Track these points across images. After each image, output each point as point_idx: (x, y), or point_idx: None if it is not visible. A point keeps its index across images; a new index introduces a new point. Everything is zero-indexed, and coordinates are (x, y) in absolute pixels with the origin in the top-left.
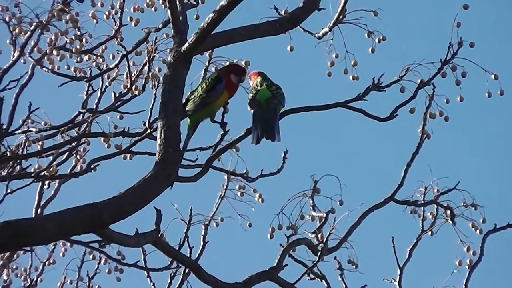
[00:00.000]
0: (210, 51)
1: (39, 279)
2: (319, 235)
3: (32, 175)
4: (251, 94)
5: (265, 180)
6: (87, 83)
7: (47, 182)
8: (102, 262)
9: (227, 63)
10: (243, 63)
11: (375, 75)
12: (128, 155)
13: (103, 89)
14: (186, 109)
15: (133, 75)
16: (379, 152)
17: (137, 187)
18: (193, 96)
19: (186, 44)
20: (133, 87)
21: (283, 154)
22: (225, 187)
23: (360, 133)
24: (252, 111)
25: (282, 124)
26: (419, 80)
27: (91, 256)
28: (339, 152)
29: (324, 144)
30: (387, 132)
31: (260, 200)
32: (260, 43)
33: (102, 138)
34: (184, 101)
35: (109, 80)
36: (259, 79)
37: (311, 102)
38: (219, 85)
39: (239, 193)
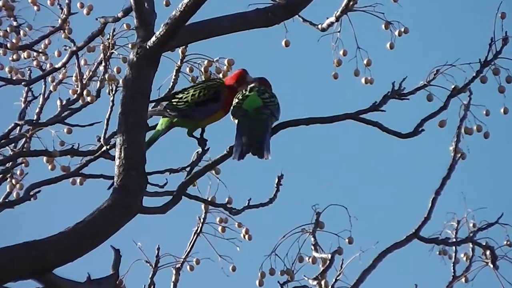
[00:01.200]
0: (184, 47)
1: None
2: (323, 282)
3: None
4: (236, 100)
5: (254, 212)
6: (26, 88)
7: None
8: None
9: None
10: (225, 62)
11: (394, 79)
12: (78, 179)
13: (46, 95)
14: (165, 106)
15: (84, 77)
16: (399, 176)
17: (89, 220)
18: (180, 96)
19: (153, 38)
20: (85, 93)
21: (276, 180)
22: (202, 220)
23: (375, 152)
24: (237, 121)
25: (276, 141)
26: (451, 86)
27: None
28: (348, 176)
29: (329, 166)
30: (410, 151)
31: (246, 237)
32: (248, 37)
33: (44, 158)
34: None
35: (54, 83)
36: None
37: (312, 112)
38: (214, 103)
39: (220, 228)
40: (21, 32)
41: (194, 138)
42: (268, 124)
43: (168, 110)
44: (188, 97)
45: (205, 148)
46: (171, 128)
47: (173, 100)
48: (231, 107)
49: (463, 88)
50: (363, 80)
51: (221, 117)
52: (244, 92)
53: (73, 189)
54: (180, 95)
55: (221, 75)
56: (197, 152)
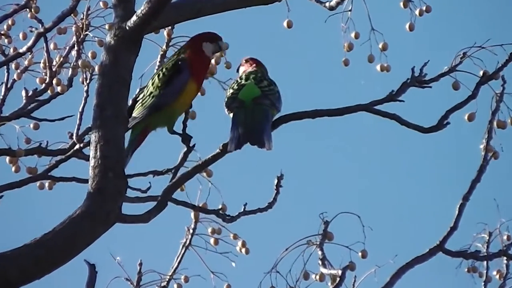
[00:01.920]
0: (170, 28)
1: None
2: None
3: None
4: (231, 91)
5: (251, 220)
6: None
7: None
8: None
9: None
10: None
11: (414, 64)
12: (46, 183)
13: (9, 85)
14: (133, 115)
15: (54, 63)
16: (420, 179)
17: (59, 230)
18: (142, 96)
19: (134, 18)
20: (54, 82)
21: (276, 181)
22: (191, 231)
23: (392, 150)
24: (232, 114)
25: (276, 136)
26: (481, 72)
27: None
28: (360, 179)
29: (338, 166)
30: (433, 149)
31: (243, 250)
32: (244, 16)
33: (7, 157)
34: (130, 102)
35: (18, 71)
36: (251, 69)
37: (319, 104)
38: (179, 75)
39: (212, 240)
40: None
41: (177, 134)
42: (268, 114)
43: (138, 118)
44: (150, 88)
45: (191, 146)
46: (146, 133)
47: (136, 106)
48: (225, 99)
49: (494, 74)
50: (378, 67)
51: (197, 91)
52: (238, 80)
53: (40, 194)
54: (141, 96)
55: (213, 61)
56: (183, 151)
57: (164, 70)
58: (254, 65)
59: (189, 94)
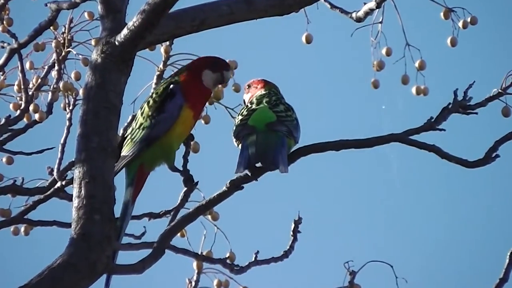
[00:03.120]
0: (168, 43)
1: None
2: None
3: None
4: (240, 117)
5: (264, 271)
6: None
7: None
8: None
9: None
10: None
11: (457, 86)
12: (22, 227)
13: None
14: (122, 153)
15: (30, 86)
16: (464, 219)
17: (37, 283)
18: (131, 130)
19: (125, 31)
20: (31, 108)
21: (293, 225)
22: (193, 283)
23: (431, 187)
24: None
25: (293, 171)
26: None
27: None
28: (393, 222)
29: (367, 207)
30: (479, 185)
31: None
32: (255, 30)
33: None
34: (121, 132)
35: None
36: (261, 92)
37: (343, 133)
38: (171, 100)
39: None
40: None
41: (177, 171)
42: (284, 141)
43: (128, 156)
44: (139, 119)
45: (193, 183)
46: (143, 176)
47: (126, 142)
48: (234, 127)
49: None
50: (414, 90)
51: (194, 120)
52: (249, 105)
53: (15, 240)
54: (129, 130)
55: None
56: (183, 190)
57: (154, 95)
58: (261, 85)
59: (185, 123)
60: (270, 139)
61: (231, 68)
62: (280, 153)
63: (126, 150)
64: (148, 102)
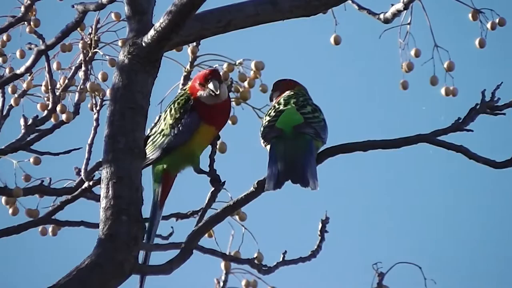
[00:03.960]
0: (194, 44)
1: None
2: None
3: None
4: (268, 118)
5: (291, 271)
6: None
7: None
8: None
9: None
10: (252, 65)
11: (485, 87)
12: (49, 228)
13: (4, 112)
14: (147, 154)
15: (57, 87)
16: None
17: (65, 284)
18: (154, 131)
19: (151, 32)
20: (58, 108)
21: (320, 225)
22: (221, 283)
23: (458, 188)
24: (269, 146)
25: (320, 172)
26: None
27: None
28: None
29: (394, 207)
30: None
31: None
32: (281, 31)
33: (3, 198)
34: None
35: (16, 95)
36: (289, 92)
37: (371, 133)
38: (188, 117)
39: None
40: None
41: (204, 173)
42: (312, 146)
43: (151, 158)
44: (161, 123)
45: (220, 184)
46: (169, 178)
47: (148, 143)
48: (261, 129)
49: None
50: (442, 91)
51: (216, 130)
52: (276, 105)
53: (43, 240)
54: (152, 131)
55: (246, 84)
56: (210, 191)
57: (176, 105)
58: (290, 86)
59: (205, 135)
60: (298, 148)
61: (258, 72)
62: (309, 167)
63: (148, 152)
64: (171, 110)
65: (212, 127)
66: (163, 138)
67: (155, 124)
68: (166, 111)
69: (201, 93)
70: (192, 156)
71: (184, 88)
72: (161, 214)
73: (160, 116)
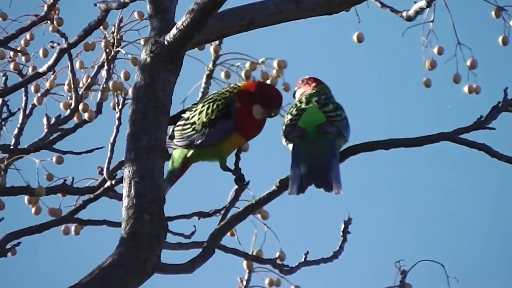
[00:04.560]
0: (217, 43)
1: None
2: None
3: None
4: (289, 117)
5: (314, 271)
6: (0, 99)
7: None
8: None
9: (252, 80)
10: (274, 63)
11: (507, 85)
12: (72, 227)
13: (27, 111)
14: (172, 137)
15: (80, 85)
16: None
17: (87, 283)
18: (187, 116)
19: (174, 31)
20: (81, 107)
21: (343, 226)
22: (245, 282)
23: (481, 186)
24: (291, 145)
25: (343, 171)
26: None
27: None
28: (443, 220)
29: (417, 206)
30: None
31: None
32: (304, 28)
33: (26, 197)
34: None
35: (39, 94)
36: (311, 90)
37: (393, 131)
38: (223, 124)
39: None
40: None
41: (229, 171)
42: (335, 146)
43: (172, 140)
44: (195, 117)
45: (245, 183)
46: (187, 164)
47: (178, 124)
48: (283, 127)
49: None
50: (465, 88)
51: (240, 143)
52: (298, 104)
53: (65, 240)
54: (186, 114)
55: (269, 81)
56: (234, 189)
57: (214, 106)
58: (314, 84)
59: (234, 143)
60: (322, 149)
61: (280, 71)
62: (332, 170)
63: (177, 136)
64: (208, 108)
65: (243, 139)
66: (193, 132)
67: (191, 107)
68: (204, 104)
69: (258, 108)
70: (219, 157)
71: (234, 86)
72: (168, 187)
73: (197, 102)
